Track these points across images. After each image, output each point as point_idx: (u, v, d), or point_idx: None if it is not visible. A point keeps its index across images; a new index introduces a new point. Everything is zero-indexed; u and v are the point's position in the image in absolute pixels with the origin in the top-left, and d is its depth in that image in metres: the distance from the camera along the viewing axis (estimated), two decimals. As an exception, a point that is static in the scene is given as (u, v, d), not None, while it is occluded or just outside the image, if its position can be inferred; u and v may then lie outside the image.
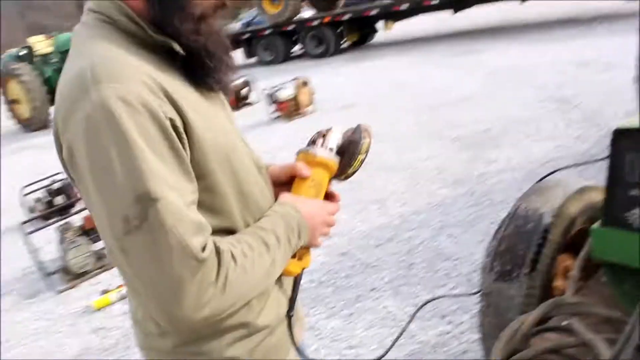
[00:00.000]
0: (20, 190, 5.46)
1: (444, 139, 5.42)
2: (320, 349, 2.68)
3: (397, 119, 6.42)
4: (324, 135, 1.12)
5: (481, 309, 1.82)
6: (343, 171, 1.12)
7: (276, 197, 1.08)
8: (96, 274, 4.23)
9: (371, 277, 3.21)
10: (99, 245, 4.48)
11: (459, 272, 3.07)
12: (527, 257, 1.72)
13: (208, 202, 0.93)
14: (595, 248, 1.49)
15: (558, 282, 1.75)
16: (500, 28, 12.07)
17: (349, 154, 1.10)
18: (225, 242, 0.90)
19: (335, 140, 1.11)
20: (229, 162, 0.96)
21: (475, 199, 3.97)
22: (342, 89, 8.82)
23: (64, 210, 5.00)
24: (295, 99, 7.43)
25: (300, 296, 1.13)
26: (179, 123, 0.86)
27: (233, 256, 0.89)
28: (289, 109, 7.42)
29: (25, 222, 4.36)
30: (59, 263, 4.32)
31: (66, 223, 4.37)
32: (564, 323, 1.42)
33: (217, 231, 0.92)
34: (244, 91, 9.08)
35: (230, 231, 0.97)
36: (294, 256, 1.05)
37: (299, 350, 1.11)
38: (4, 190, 6.94)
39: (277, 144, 6.51)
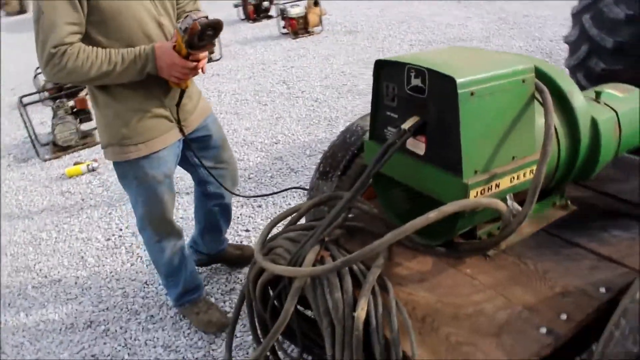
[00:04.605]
0: (35, 70, 5.96)
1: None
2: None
3: (395, 51, 6.58)
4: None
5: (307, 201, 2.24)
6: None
7: None
8: (79, 149, 4.82)
9: (290, 179, 3.66)
10: (86, 126, 5.04)
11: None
12: (342, 162, 2.11)
13: (102, 30, 1.85)
14: (366, 158, 1.86)
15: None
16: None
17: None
18: (81, 49, 1.80)
19: (184, 23, 1.83)
20: (121, 15, 1.86)
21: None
22: (356, 14, 8.90)
23: (70, 94, 5.05)
24: (304, 17, 7.61)
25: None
26: None
27: (76, 55, 1.78)
28: (297, 27, 7.62)
29: (23, 97, 4.91)
30: (51, 137, 4.91)
31: (60, 102, 4.89)
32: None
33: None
34: (265, 3, 9.29)
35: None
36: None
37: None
38: (22, 68, 7.53)
39: (272, 58, 6.83)
